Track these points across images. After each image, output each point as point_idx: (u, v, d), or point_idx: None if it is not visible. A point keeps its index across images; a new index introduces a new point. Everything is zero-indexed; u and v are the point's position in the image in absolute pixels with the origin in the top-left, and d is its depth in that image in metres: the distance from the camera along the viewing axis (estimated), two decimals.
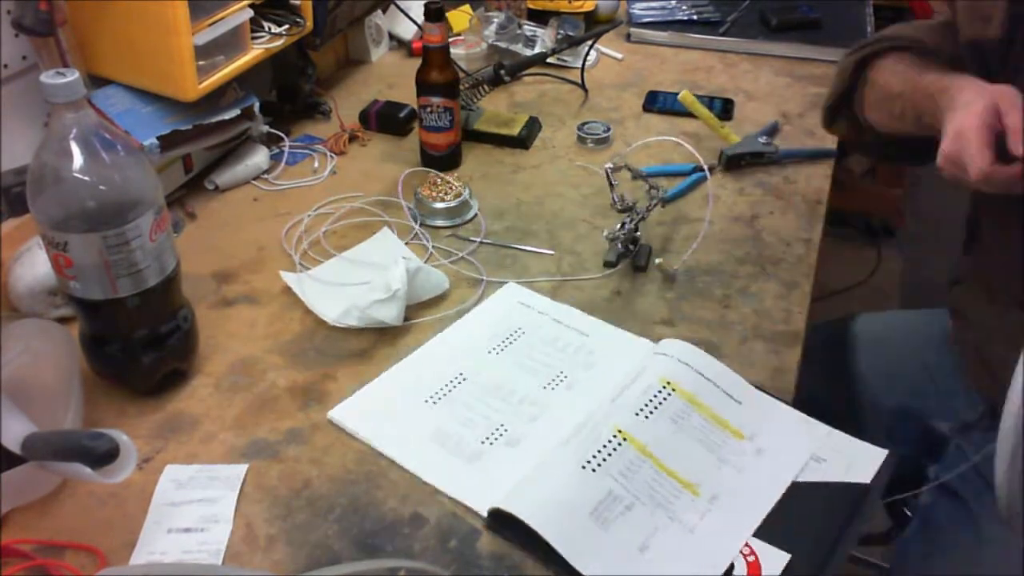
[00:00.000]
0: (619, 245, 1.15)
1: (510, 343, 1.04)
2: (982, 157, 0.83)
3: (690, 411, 0.93)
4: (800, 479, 0.87)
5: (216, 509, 0.85)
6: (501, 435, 0.93)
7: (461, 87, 1.39)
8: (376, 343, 1.05)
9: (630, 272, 1.16)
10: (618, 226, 1.15)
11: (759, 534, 0.82)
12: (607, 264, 1.16)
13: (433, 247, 1.21)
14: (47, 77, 0.80)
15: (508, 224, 1.26)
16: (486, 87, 1.48)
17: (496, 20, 1.68)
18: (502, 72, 1.45)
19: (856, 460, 0.89)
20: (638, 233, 1.16)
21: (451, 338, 1.05)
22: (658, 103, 1.54)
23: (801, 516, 0.84)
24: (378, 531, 0.83)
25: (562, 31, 1.69)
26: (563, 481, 0.84)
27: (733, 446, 0.91)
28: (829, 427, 0.93)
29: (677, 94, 1.43)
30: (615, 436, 0.88)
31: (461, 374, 1.00)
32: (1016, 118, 0.84)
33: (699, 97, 1.46)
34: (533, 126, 1.46)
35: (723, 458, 0.89)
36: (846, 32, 1.77)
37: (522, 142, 1.43)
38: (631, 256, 1.16)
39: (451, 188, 1.27)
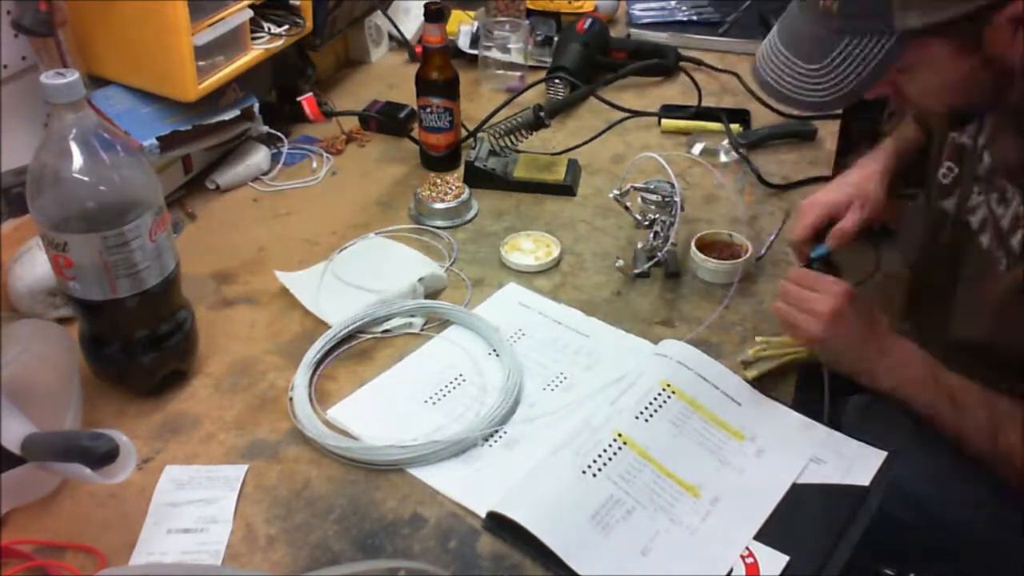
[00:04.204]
0: (648, 255, 1.15)
1: (510, 344, 1.03)
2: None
3: (690, 413, 0.93)
4: (799, 481, 0.87)
5: (216, 509, 0.85)
6: (500, 436, 0.93)
7: (496, 134, 1.33)
8: (376, 343, 1.05)
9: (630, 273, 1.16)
10: (651, 236, 1.15)
11: (758, 536, 0.82)
12: (640, 275, 1.14)
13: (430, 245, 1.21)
14: (47, 77, 0.80)
15: (508, 224, 1.26)
16: (523, 132, 1.34)
17: (467, 30, 1.67)
18: (542, 115, 1.32)
19: (855, 462, 0.89)
20: (673, 243, 1.15)
21: (451, 339, 1.05)
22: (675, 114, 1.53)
23: (800, 518, 0.84)
24: (378, 531, 0.83)
25: (539, 33, 1.68)
26: (563, 486, 0.84)
27: (734, 447, 0.91)
28: (828, 428, 0.93)
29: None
30: (615, 440, 0.88)
31: (460, 375, 1.00)
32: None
33: (712, 108, 1.50)
34: (575, 169, 1.36)
35: (724, 460, 0.89)
36: None
37: (569, 189, 1.32)
38: (662, 264, 1.15)
39: (451, 189, 1.27)
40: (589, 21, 1.64)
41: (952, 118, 0.96)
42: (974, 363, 0.93)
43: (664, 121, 1.49)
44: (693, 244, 1.15)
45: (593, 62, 1.61)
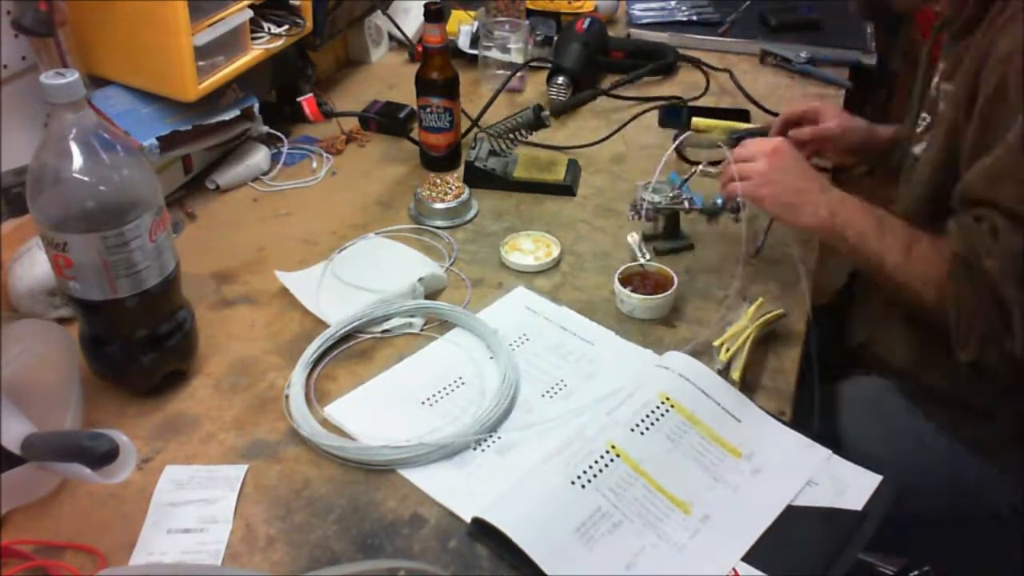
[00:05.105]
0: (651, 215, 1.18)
1: (513, 349, 1.03)
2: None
3: (688, 428, 0.91)
4: (795, 503, 0.85)
5: (215, 509, 0.85)
6: (494, 441, 0.92)
7: (496, 133, 1.33)
8: (377, 343, 1.05)
9: None
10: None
11: (746, 557, 0.80)
12: (663, 247, 1.20)
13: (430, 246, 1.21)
14: (47, 77, 0.80)
15: (507, 224, 1.26)
16: (524, 131, 1.33)
17: (467, 30, 1.67)
18: (542, 115, 1.31)
19: (850, 485, 0.86)
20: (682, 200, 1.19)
21: (453, 341, 1.05)
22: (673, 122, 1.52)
23: (791, 541, 0.81)
24: (378, 531, 0.83)
25: (539, 33, 1.68)
26: (550, 495, 0.83)
27: (730, 464, 0.89)
28: (829, 451, 0.90)
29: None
30: (608, 451, 0.86)
31: (460, 378, 1.00)
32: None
33: (713, 109, 1.50)
34: (575, 169, 1.37)
35: (718, 477, 0.88)
36: (845, 32, 1.77)
37: (569, 189, 1.32)
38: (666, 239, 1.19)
39: (451, 189, 1.27)
40: (589, 21, 1.64)
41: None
42: None
43: (695, 119, 1.48)
44: (616, 279, 1.10)
45: (593, 62, 1.61)
